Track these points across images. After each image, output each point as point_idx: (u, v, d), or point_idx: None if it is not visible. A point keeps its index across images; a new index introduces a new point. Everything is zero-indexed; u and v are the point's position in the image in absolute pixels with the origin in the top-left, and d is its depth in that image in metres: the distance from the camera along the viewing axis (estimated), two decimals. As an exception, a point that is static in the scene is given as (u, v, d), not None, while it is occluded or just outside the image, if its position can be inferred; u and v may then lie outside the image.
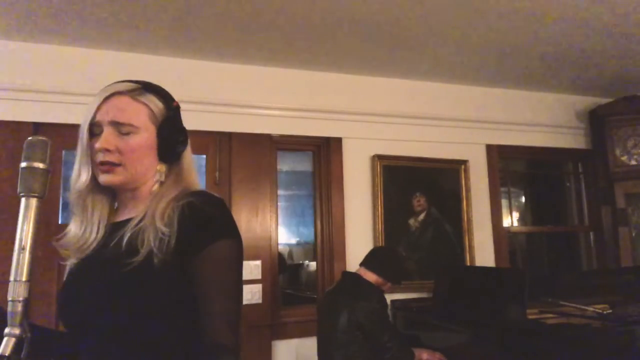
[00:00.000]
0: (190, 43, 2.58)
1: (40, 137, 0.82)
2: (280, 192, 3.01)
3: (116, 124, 0.93)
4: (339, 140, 3.00)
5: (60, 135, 2.38)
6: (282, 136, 2.91)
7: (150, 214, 0.89)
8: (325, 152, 3.00)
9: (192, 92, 2.66)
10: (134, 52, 2.64)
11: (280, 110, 2.90)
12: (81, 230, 0.95)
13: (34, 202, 0.79)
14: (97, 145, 0.92)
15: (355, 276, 2.33)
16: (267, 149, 2.85)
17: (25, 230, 0.77)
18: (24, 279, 0.76)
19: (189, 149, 1.03)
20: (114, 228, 0.95)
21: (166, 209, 0.89)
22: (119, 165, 0.93)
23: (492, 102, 3.40)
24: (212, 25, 2.40)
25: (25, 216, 0.78)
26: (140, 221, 0.90)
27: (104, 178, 0.93)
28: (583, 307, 2.33)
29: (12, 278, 0.76)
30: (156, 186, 0.98)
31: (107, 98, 0.94)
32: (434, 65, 3.01)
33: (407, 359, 2.15)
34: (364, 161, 3.05)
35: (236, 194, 2.73)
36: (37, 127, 2.44)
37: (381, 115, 3.09)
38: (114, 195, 1.01)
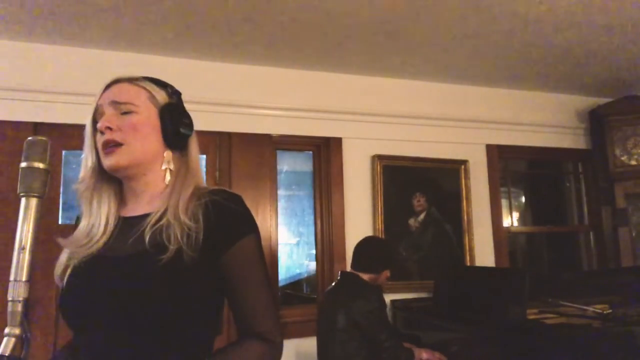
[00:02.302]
0: (190, 43, 2.58)
1: (40, 137, 0.82)
2: (280, 192, 3.01)
3: (115, 104, 0.93)
4: (339, 140, 3.00)
5: (60, 135, 2.38)
6: (282, 136, 2.91)
7: (173, 209, 0.89)
8: (325, 152, 3.00)
9: (192, 92, 2.63)
10: (134, 52, 2.64)
11: (280, 110, 2.90)
12: (89, 226, 0.94)
13: (34, 202, 0.79)
14: (99, 125, 0.91)
15: (353, 276, 2.33)
16: (267, 149, 2.85)
17: (25, 230, 0.77)
18: (24, 279, 0.76)
19: (195, 140, 1.02)
20: (129, 223, 0.93)
21: (188, 205, 0.90)
22: (121, 144, 0.91)
23: (492, 102, 3.40)
24: (212, 25, 2.40)
25: (25, 216, 0.78)
26: (161, 217, 0.89)
27: (108, 161, 0.91)
28: (583, 307, 2.33)
29: (12, 278, 0.76)
30: (167, 176, 0.96)
31: (108, 87, 0.96)
32: (434, 65, 3.01)
33: (406, 358, 2.15)
34: (364, 161, 3.05)
35: (236, 194, 2.72)
36: (37, 127, 2.44)
37: (381, 115, 3.09)
38: (120, 190, 0.99)
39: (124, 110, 0.93)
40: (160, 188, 0.96)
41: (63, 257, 0.94)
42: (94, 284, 0.88)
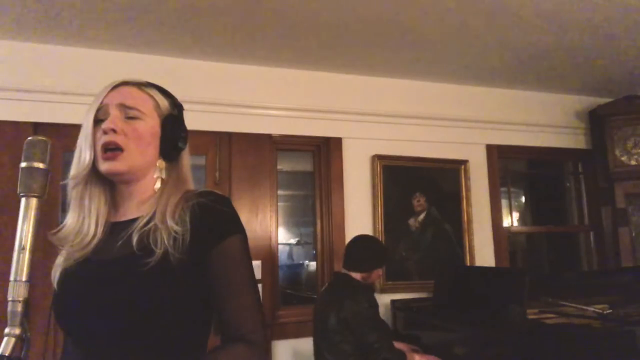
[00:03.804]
0: (190, 43, 2.58)
1: (40, 137, 0.82)
2: (280, 192, 3.01)
3: (123, 107, 0.94)
4: (339, 140, 3.00)
5: (60, 135, 2.38)
6: (282, 136, 2.91)
7: (160, 214, 0.89)
8: (325, 152, 3.00)
9: (192, 92, 2.66)
10: (134, 52, 2.64)
11: (280, 110, 2.90)
12: (78, 225, 0.93)
13: (34, 202, 0.78)
14: (104, 125, 0.91)
15: (345, 276, 2.32)
16: (267, 149, 2.85)
17: (25, 230, 0.77)
18: (24, 279, 0.76)
19: (187, 152, 1.04)
20: (117, 227, 0.94)
21: (176, 209, 0.90)
22: (122, 150, 0.91)
23: (492, 102, 3.40)
24: (212, 25, 2.40)
25: (25, 216, 0.78)
26: (148, 221, 0.89)
27: (106, 165, 0.91)
28: (583, 307, 2.33)
29: (12, 278, 0.76)
30: (158, 183, 0.97)
31: (115, 87, 0.96)
32: (434, 65, 3.01)
33: None
34: (364, 161, 3.05)
35: (236, 194, 2.73)
36: (37, 127, 2.44)
37: (381, 115, 3.09)
38: (111, 191, 0.99)
39: (130, 115, 0.94)
40: (150, 193, 0.97)
41: (59, 259, 0.95)
42: (82, 288, 0.89)
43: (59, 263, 0.94)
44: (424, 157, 3.16)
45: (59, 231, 0.94)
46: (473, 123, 3.32)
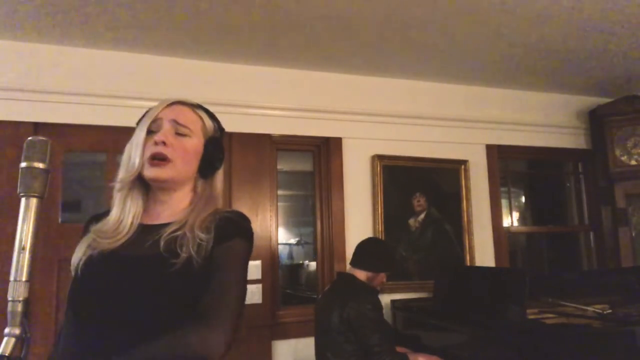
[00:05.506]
0: (190, 43, 2.58)
1: (40, 137, 0.82)
2: (280, 192, 3.01)
3: (176, 123, 1.04)
4: (339, 140, 3.00)
5: (60, 135, 2.38)
6: (282, 136, 2.91)
7: (190, 225, 0.98)
8: (325, 152, 3.00)
9: (192, 92, 2.65)
10: (134, 52, 2.64)
11: (280, 110, 2.90)
12: (117, 223, 1.01)
13: (34, 202, 0.79)
14: (156, 137, 1.01)
15: (348, 277, 2.31)
16: (267, 149, 2.85)
17: (25, 230, 0.77)
18: (24, 279, 0.76)
19: (222, 173, 1.13)
20: (147, 229, 1.01)
21: (204, 222, 0.99)
22: (169, 161, 1.00)
23: (492, 102, 3.40)
24: (213, 26, 2.40)
25: (25, 216, 0.78)
26: (178, 229, 0.97)
27: (152, 172, 1.00)
28: (583, 307, 2.33)
29: (12, 278, 0.76)
30: (191, 195, 1.07)
31: (170, 104, 1.07)
32: (434, 65, 3.01)
33: None
34: (364, 161, 3.05)
35: (236, 194, 2.73)
36: (37, 127, 2.44)
37: (381, 115, 3.09)
38: (146, 198, 1.07)
39: (180, 131, 1.04)
40: (183, 205, 1.06)
41: (81, 248, 1.00)
42: (105, 276, 0.95)
43: (82, 250, 0.99)
44: (424, 157, 3.16)
45: (103, 226, 1.02)
46: (473, 123, 3.32)
